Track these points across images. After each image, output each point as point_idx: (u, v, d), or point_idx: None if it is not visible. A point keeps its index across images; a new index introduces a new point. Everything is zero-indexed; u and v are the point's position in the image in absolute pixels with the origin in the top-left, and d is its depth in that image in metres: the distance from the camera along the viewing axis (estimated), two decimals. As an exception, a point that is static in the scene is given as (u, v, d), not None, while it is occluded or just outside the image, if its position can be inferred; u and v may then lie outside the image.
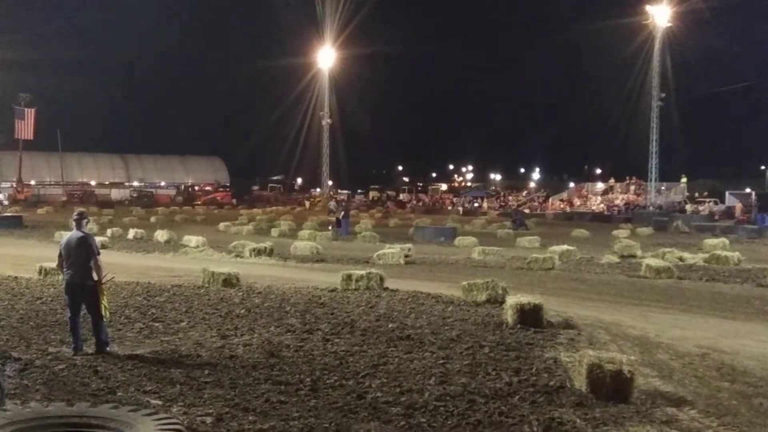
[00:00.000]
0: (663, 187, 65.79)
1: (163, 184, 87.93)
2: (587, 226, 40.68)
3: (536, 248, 27.30)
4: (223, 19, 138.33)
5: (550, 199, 72.73)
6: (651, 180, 61.98)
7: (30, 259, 19.36)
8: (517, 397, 7.90)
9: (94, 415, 6.36)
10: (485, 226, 41.56)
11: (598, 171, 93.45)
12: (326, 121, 75.40)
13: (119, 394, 7.79)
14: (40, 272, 16.45)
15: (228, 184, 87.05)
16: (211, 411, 7.27)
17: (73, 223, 9.83)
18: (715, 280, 19.03)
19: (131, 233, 30.20)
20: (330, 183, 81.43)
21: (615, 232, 35.93)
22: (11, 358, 9.17)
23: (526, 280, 18.43)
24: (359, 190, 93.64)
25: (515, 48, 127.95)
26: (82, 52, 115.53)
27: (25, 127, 71.37)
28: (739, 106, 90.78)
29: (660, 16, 60.05)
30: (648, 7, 60.59)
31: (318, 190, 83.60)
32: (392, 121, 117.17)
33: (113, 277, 11.27)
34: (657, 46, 60.11)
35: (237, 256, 22.97)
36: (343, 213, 37.10)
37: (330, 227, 35.30)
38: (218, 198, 74.82)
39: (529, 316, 11.71)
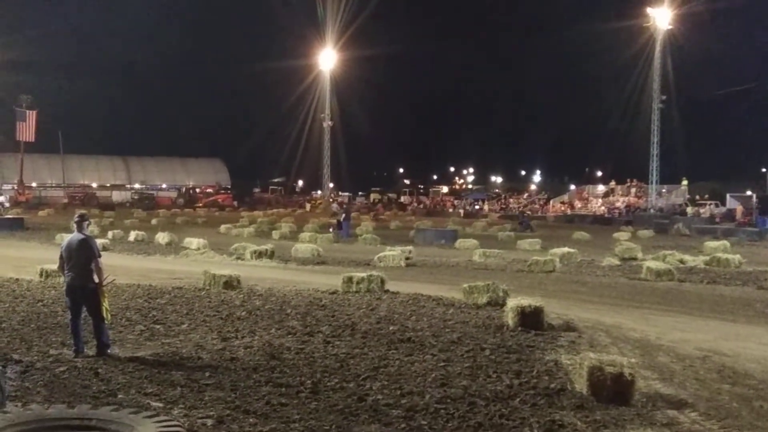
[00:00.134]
0: (664, 190, 65.77)
1: (164, 186, 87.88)
2: (588, 229, 40.64)
3: (537, 251, 27.32)
4: (224, 20, 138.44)
5: (551, 202, 72.71)
6: (652, 182, 61.97)
7: (31, 261, 19.38)
8: (518, 399, 7.90)
9: (95, 417, 6.37)
10: (486, 229, 41.58)
11: (599, 173, 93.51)
12: (327, 123, 75.43)
13: (120, 396, 7.79)
14: (41, 274, 16.45)
15: (229, 186, 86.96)
16: (212, 413, 7.27)
17: (74, 226, 9.83)
18: (716, 282, 19.03)
19: (132, 235, 30.21)
20: (331, 185, 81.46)
21: (616, 235, 35.96)
22: (12, 360, 9.18)
23: (527, 282, 18.43)
24: (360, 192, 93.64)
25: (516, 50, 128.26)
26: (82, 54, 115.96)
27: (27, 129, 71.32)
28: (739, 109, 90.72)
29: (661, 18, 60.08)
30: (649, 10, 60.63)
31: (319, 192, 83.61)
32: (393, 123, 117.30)
33: (114, 280, 11.28)
34: (658, 48, 60.14)
35: (238, 258, 22.98)
36: (344, 215, 37.14)
37: (331, 229, 35.32)
38: (219, 200, 74.76)
39: (530, 319, 11.71)
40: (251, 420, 7.11)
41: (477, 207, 72.02)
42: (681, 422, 7.32)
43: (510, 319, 11.87)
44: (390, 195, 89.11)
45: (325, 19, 72.72)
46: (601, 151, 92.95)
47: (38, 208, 59.24)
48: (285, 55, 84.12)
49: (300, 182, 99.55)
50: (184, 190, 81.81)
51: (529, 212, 58.95)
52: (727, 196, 59.50)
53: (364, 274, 15.95)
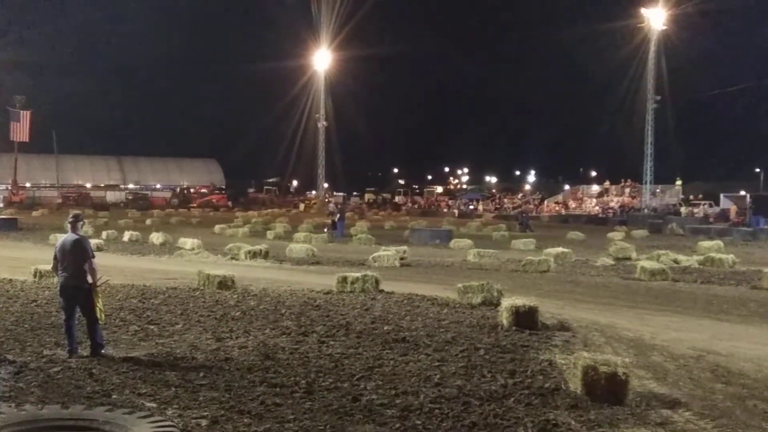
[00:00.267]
0: (658, 190, 65.90)
1: (158, 186, 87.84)
2: (582, 229, 40.73)
3: (531, 251, 27.36)
4: (219, 21, 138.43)
5: (546, 202, 72.79)
6: (646, 182, 62.12)
7: (25, 262, 19.34)
8: (512, 399, 7.91)
9: (89, 418, 6.37)
10: (481, 229, 41.62)
11: (594, 173, 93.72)
12: (322, 124, 75.42)
13: (114, 396, 7.78)
14: (35, 275, 16.41)
15: (223, 187, 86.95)
16: (206, 413, 7.26)
17: (69, 226, 9.81)
18: (710, 282, 19.06)
19: (126, 236, 30.15)
20: (326, 185, 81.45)
21: (610, 235, 36.05)
22: (6, 360, 9.15)
23: (522, 282, 18.45)
24: (355, 193, 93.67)
25: (510, 51, 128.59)
26: (77, 54, 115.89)
27: (21, 129, 71.27)
28: (733, 109, 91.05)
29: (655, 19, 60.20)
30: (643, 10, 60.76)
31: (314, 192, 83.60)
32: (388, 124, 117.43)
33: (108, 280, 11.26)
34: (652, 48, 60.27)
35: (232, 258, 22.96)
36: (338, 215, 37.13)
37: (326, 230, 35.31)
38: (214, 200, 74.77)
39: (524, 319, 11.72)
40: (246, 420, 7.11)
41: (471, 207, 72.07)
42: (675, 421, 7.34)
43: (504, 318, 11.88)
44: (384, 195, 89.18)
45: (319, 19, 72.82)
46: (596, 152, 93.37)
47: (32, 208, 59.20)
48: (280, 55, 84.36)
49: (295, 182, 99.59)
50: (178, 190, 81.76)
51: (527, 213, 59.03)
52: (721, 196, 59.59)
53: (358, 274, 15.95)
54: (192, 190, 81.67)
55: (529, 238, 31.32)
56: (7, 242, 28.92)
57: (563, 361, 9.29)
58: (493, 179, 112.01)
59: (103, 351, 9.53)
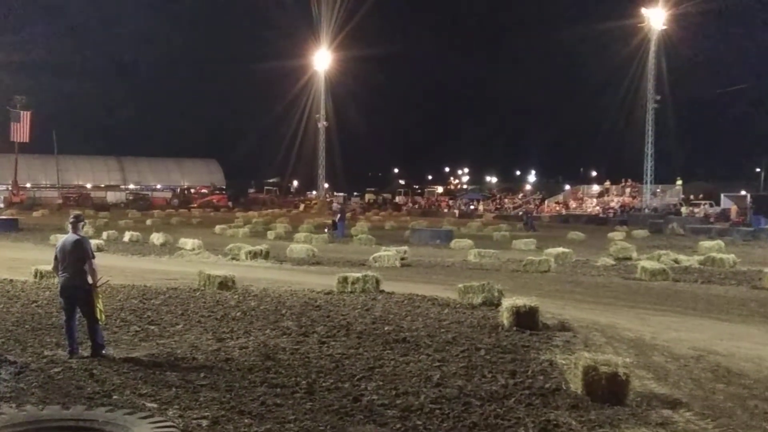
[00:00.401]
0: (658, 190, 65.87)
1: (159, 186, 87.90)
2: (583, 229, 40.73)
3: (532, 251, 27.36)
4: (219, 21, 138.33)
5: (546, 202, 72.78)
6: (646, 182, 62.09)
7: (26, 262, 19.34)
8: (513, 399, 7.90)
9: (89, 418, 6.37)
10: (481, 229, 41.62)
11: (594, 173, 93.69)
12: (322, 124, 75.41)
13: (115, 397, 7.78)
14: (35, 275, 16.41)
15: (224, 187, 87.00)
16: (206, 414, 7.26)
17: (69, 226, 9.82)
18: (711, 282, 19.06)
19: (127, 236, 30.16)
20: (326, 186, 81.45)
21: (610, 235, 36.02)
22: (7, 361, 9.14)
23: (522, 282, 18.45)
24: (355, 193, 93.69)
25: (510, 51, 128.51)
26: (77, 54, 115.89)
27: (21, 130, 71.29)
28: (733, 109, 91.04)
29: (655, 18, 60.18)
30: (643, 10, 60.74)
31: (314, 192, 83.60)
32: (388, 124, 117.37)
33: (108, 281, 11.26)
34: (652, 48, 60.25)
35: (233, 258, 22.96)
36: (339, 215, 37.14)
37: (326, 230, 35.31)
38: (214, 201, 74.80)
39: (525, 319, 11.72)
40: (246, 420, 7.11)
41: (472, 207, 72.09)
42: (676, 422, 7.34)
43: (505, 319, 11.87)
44: (385, 195, 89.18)
45: (320, 19, 72.80)
46: (596, 152, 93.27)
47: (32, 208, 59.19)
48: (280, 55, 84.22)
49: (295, 183, 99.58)
50: (178, 190, 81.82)
51: (531, 213, 59.06)
52: (722, 195, 59.59)
53: (359, 275, 15.95)
54: (192, 191, 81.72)
55: (531, 238, 31.32)
56: (7, 243, 28.92)
57: (564, 362, 9.29)
58: (494, 179, 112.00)
59: (103, 351, 9.54)
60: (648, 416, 7.46)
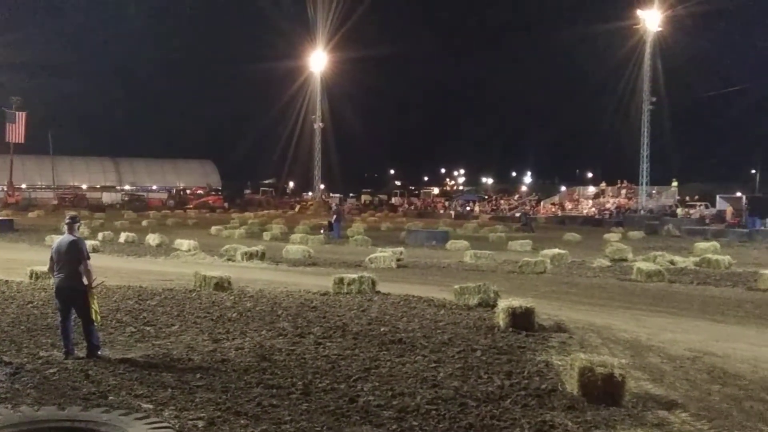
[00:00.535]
0: (654, 191, 65.98)
1: (154, 187, 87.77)
2: (579, 230, 40.78)
3: (528, 252, 27.39)
4: (215, 22, 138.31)
5: (542, 203, 72.87)
6: (642, 184, 62.16)
7: (21, 263, 19.31)
8: (509, 400, 7.91)
9: (85, 419, 6.36)
10: (477, 230, 41.61)
11: (590, 175, 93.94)
12: (318, 125, 75.38)
13: (111, 398, 7.76)
14: (31, 276, 16.38)
15: (220, 188, 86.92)
16: (202, 415, 7.25)
17: (65, 227, 9.80)
18: (706, 283, 19.10)
19: (123, 237, 30.10)
20: (322, 187, 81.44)
21: (606, 236, 36.07)
22: (2, 362, 9.13)
23: (518, 283, 18.46)
24: (351, 194, 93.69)
25: (505, 53, 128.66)
26: (73, 55, 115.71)
27: (16, 131, 71.10)
28: (729, 111, 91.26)
29: (651, 20, 60.27)
30: (639, 12, 60.82)
31: (310, 193, 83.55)
32: (384, 125, 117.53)
33: (103, 281, 11.23)
34: (648, 50, 60.32)
35: (229, 259, 22.94)
36: (335, 216, 37.13)
37: (322, 231, 35.30)
38: (210, 201, 74.64)
39: (521, 320, 11.73)
40: (242, 421, 7.10)
41: (468, 208, 72.14)
42: (671, 423, 7.35)
43: (501, 320, 11.88)
44: (381, 196, 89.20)
45: (315, 20, 72.76)
46: (592, 153, 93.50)
47: (28, 209, 59.06)
48: (276, 56, 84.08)
49: (291, 184, 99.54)
50: (174, 191, 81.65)
51: (518, 213, 59.09)
52: (717, 197, 59.71)
53: (355, 276, 15.95)
54: (188, 192, 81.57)
55: (527, 239, 31.34)
56: (3, 243, 28.85)
57: (560, 363, 9.29)
58: (490, 180, 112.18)
59: (99, 352, 9.52)
60: (644, 417, 7.47)
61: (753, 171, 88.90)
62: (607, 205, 64.55)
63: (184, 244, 26.53)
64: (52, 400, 7.56)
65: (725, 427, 7.28)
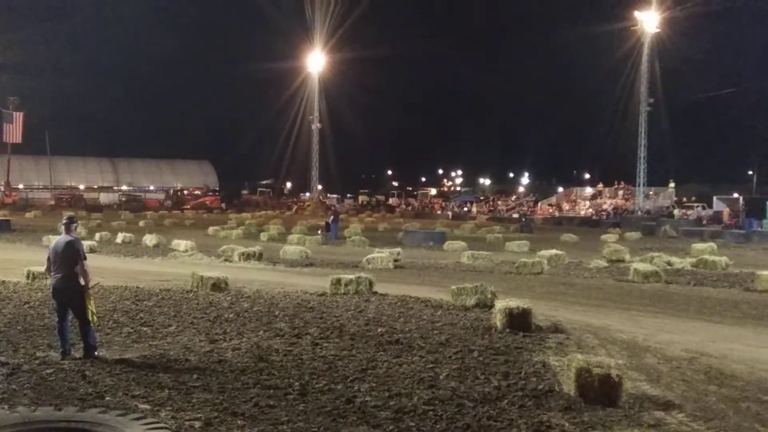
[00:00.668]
0: (651, 192, 66.02)
1: (152, 188, 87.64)
2: (576, 231, 40.83)
3: (525, 253, 27.40)
4: (213, 23, 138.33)
5: (539, 204, 72.88)
6: (639, 185, 62.19)
7: (18, 263, 19.28)
8: (506, 401, 7.91)
9: (82, 420, 6.35)
10: (474, 231, 41.63)
11: (587, 176, 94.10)
12: (316, 125, 75.35)
13: (107, 398, 7.76)
14: (27, 276, 16.35)
15: (217, 189, 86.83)
16: (199, 415, 7.25)
17: (62, 227, 9.79)
18: (703, 284, 19.13)
19: (120, 237, 30.06)
20: (319, 187, 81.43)
21: (603, 237, 36.08)
22: (-2, 362, 9.13)
23: (515, 284, 18.47)
24: (348, 195, 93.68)
25: (503, 54, 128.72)
26: (71, 55, 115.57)
27: (14, 131, 71.03)
28: (726, 112, 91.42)
29: (648, 22, 60.33)
30: (636, 13, 60.89)
31: (307, 194, 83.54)
32: (382, 126, 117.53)
33: (100, 282, 11.22)
34: (645, 51, 60.38)
35: (226, 260, 22.92)
36: (332, 217, 37.12)
37: (319, 231, 35.30)
38: (207, 202, 74.56)
39: (518, 320, 11.74)
40: (239, 422, 7.10)
41: (465, 209, 72.16)
42: (668, 423, 7.36)
43: (498, 320, 11.89)
44: (378, 197, 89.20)
45: (313, 21, 72.72)
46: (589, 154, 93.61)
47: (25, 209, 59.00)
48: (274, 57, 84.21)
49: (288, 184, 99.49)
50: (171, 192, 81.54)
51: (515, 214, 59.16)
52: (714, 198, 59.77)
53: (352, 276, 15.95)
54: (185, 192, 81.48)
55: (525, 240, 31.37)
56: (0, 244, 28.83)
57: (557, 363, 9.31)
58: (487, 181, 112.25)
59: (96, 353, 9.52)
60: (640, 418, 7.48)
61: (750, 172, 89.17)
62: (605, 206, 64.55)
63: (181, 244, 26.50)
64: (49, 400, 7.56)
65: (722, 428, 7.29)
